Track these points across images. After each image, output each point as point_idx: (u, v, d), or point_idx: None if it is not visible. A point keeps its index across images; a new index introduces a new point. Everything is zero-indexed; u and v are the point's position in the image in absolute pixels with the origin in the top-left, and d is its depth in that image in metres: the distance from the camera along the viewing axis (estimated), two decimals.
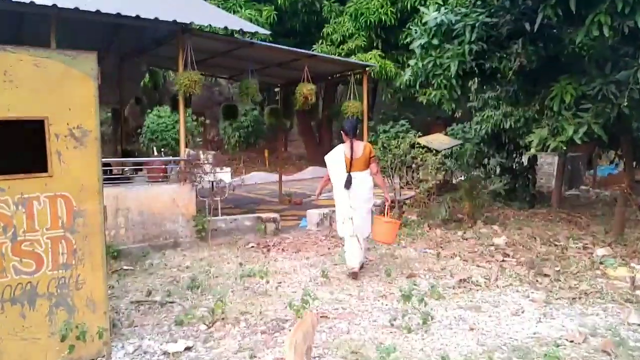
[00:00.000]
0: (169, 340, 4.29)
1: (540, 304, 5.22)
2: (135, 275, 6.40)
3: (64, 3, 6.66)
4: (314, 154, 21.46)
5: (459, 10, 7.27)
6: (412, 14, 14.90)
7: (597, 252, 7.16)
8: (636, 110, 6.50)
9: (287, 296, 5.42)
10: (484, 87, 10.24)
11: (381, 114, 23.10)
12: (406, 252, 7.46)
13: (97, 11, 6.78)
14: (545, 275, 6.20)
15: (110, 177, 8.33)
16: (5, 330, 3.54)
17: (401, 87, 14.15)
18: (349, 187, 6.21)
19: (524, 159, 12.05)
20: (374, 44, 16.11)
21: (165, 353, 4.04)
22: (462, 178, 12.09)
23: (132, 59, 11.37)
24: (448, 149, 12.78)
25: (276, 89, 14.36)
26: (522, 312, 5.02)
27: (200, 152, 8.67)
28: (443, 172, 11.80)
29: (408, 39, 13.79)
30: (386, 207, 6.68)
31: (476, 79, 8.41)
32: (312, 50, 14.61)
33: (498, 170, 11.93)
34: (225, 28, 8.61)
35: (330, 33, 16.57)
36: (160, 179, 8.43)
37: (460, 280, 6.04)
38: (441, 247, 7.70)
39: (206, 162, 8.45)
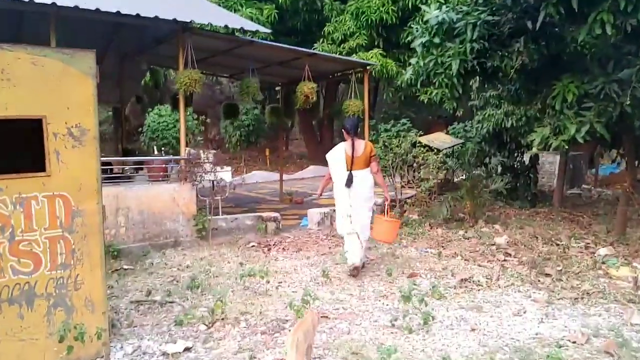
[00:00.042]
0: (168, 340, 4.26)
1: (542, 304, 5.19)
2: (135, 274, 6.37)
3: (64, 1, 6.62)
4: (315, 153, 21.44)
5: (461, 8, 7.24)
6: (413, 13, 14.85)
7: (599, 252, 7.12)
8: (639, 108, 6.46)
9: (288, 296, 5.39)
10: (486, 86, 10.23)
11: (382, 112, 23.07)
12: (407, 252, 7.43)
13: (97, 9, 6.75)
14: (547, 275, 6.17)
15: (110, 176, 8.30)
16: (3, 331, 3.51)
17: (402, 85, 14.09)
18: (350, 185, 6.23)
19: (526, 158, 12.02)
20: (375, 43, 16.08)
21: (164, 354, 4.01)
22: (464, 177, 12.06)
23: (132, 58, 11.35)
24: (449, 148, 12.74)
25: (277, 88, 14.33)
26: (524, 312, 4.98)
27: (201, 151, 8.65)
28: (444, 171, 11.77)
29: (409, 38, 13.76)
30: (386, 207, 6.68)
31: (477, 77, 8.38)
32: (313, 49, 14.55)
33: (499, 169, 11.90)
34: (226, 27, 8.57)
35: (331, 32, 16.54)
36: (160, 178, 8.40)
37: (462, 280, 6.01)
38: (442, 247, 7.67)
39: (207, 161, 8.43)
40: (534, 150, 7.79)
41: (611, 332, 4.45)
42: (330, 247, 7.74)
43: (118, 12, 6.93)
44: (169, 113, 12.02)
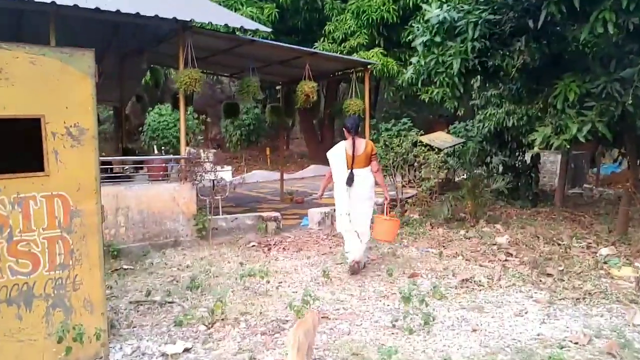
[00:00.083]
0: (167, 341, 4.24)
1: (544, 305, 5.15)
2: (135, 274, 6.35)
3: (63, 0, 6.60)
4: (316, 152, 21.41)
5: (462, 7, 7.20)
6: (414, 12, 14.82)
7: (601, 252, 7.09)
8: None
9: (288, 296, 5.37)
10: (487, 85, 10.19)
11: (383, 112, 23.02)
12: (408, 252, 7.41)
13: (97, 8, 6.73)
14: (549, 275, 6.14)
15: (110, 175, 8.27)
16: (1, 332, 3.49)
17: (403, 85, 14.05)
18: (350, 184, 6.26)
19: (527, 158, 11.99)
20: (376, 42, 16.05)
21: (163, 355, 3.99)
22: (465, 177, 12.01)
23: (132, 57, 11.32)
24: (450, 147, 12.71)
25: (277, 87, 14.30)
26: (526, 312, 4.95)
27: (201, 150, 8.63)
28: (445, 171, 11.74)
29: (410, 37, 13.70)
30: (385, 206, 6.67)
31: (479, 76, 8.36)
32: (314, 48, 14.54)
33: (501, 168, 11.87)
34: (226, 26, 8.55)
35: (332, 31, 16.52)
36: (160, 178, 8.37)
37: (463, 280, 5.98)
38: (443, 247, 7.64)
39: (207, 160, 8.41)
40: (536, 149, 7.76)
41: (613, 333, 4.42)
42: (330, 247, 7.72)
43: (118, 11, 6.91)
44: (170, 112, 12.02)
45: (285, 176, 14.95)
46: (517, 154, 11.87)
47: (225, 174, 9.36)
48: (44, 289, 3.63)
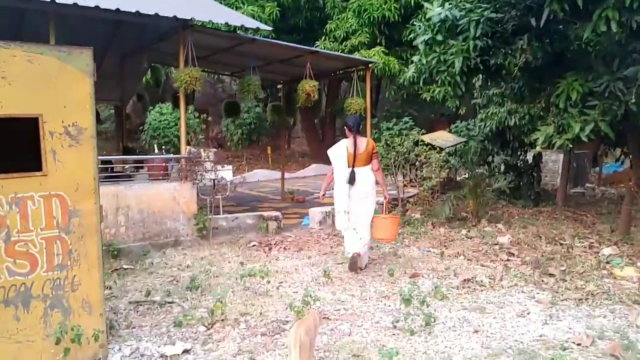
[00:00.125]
0: (167, 342, 4.21)
1: (546, 305, 5.12)
2: (135, 274, 6.32)
3: None
4: (317, 151, 21.38)
5: (464, 5, 7.15)
6: (415, 10, 14.77)
7: (604, 252, 7.04)
8: None
9: (288, 296, 5.34)
10: (489, 84, 10.13)
11: (385, 111, 22.99)
12: (409, 251, 7.37)
13: (96, 7, 6.68)
14: (551, 275, 6.10)
15: (110, 174, 8.25)
16: None
17: (405, 83, 14.03)
18: (352, 182, 6.27)
19: (529, 157, 11.95)
20: (378, 41, 16.00)
21: (162, 356, 3.96)
22: (466, 176, 11.97)
23: (133, 56, 11.30)
24: (452, 146, 12.66)
25: (279, 86, 14.27)
26: (528, 313, 4.92)
27: (202, 149, 8.60)
28: (447, 170, 11.67)
29: (412, 35, 13.59)
30: (385, 205, 6.66)
31: (481, 75, 8.30)
32: (315, 47, 14.49)
33: (502, 168, 11.82)
34: (227, 24, 8.51)
35: (333, 29, 16.47)
36: (161, 177, 8.34)
37: (464, 280, 5.95)
38: (445, 246, 7.61)
39: (207, 159, 8.38)
40: (538, 148, 7.72)
41: (616, 334, 4.38)
42: (332, 247, 7.69)
43: (118, 10, 6.86)
44: (171, 111, 11.97)
45: (287, 175, 14.93)
46: (519, 153, 11.83)
47: (226, 173, 9.33)
48: (42, 290, 3.59)
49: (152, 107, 12.67)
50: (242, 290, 5.59)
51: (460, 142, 12.94)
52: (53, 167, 3.61)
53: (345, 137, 6.54)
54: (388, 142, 10.76)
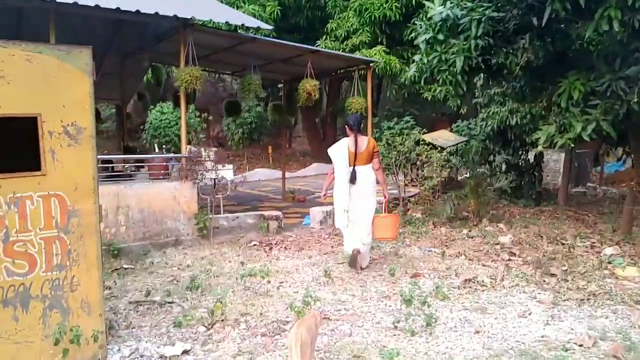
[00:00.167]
0: (166, 342, 4.19)
1: (548, 306, 5.09)
2: (136, 274, 6.31)
3: None
4: (318, 150, 21.36)
5: (465, 4, 7.12)
6: (417, 9, 14.75)
7: (605, 251, 7.01)
8: None
9: (289, 296, 5.32)
10: (490, 83, 10.10)
11: (386, 110, 22.96)
12: (410, 251, 7.35)
13: (97, 6, 6.66)
14: (553, 275, 6.07)
15: (111, 174, 8.23)
16: None
17: (406, 83, 14.01)
18: (354, 181, 6.28)
19: (530, 156, 11.92)
20: (379, 40, 15.97)
21: (162, 357, 3.94)
22: (467, 175, 11.95)
23: (133, 55, 11.28)
24: (453, 145, 12.63)
25: (279, 85, 14.25)
26: (529, 313, 4.89)
27: (202, 149, 8.58)
28: (448, 170, 11.65)
29: (413, 35, 13.58)
30: (384, 204, 6.65)
31: (482, 74, 8.27)
32: (316, 46, 14.48)
33: (504, 167, 11.80)
34: (228, 23, 8.49)
35: (334, 29, 16.45)
36: (161, 176, 8.33)
37: (466, 280, 5.92)
38: (446, 246, 7.58)
39: (208, 159, 8.36)
40: (539, 148, 7.70)
41: (619, 335, 4.35)
42: (332, 246, 7.67)
43: (118, 9, 6.85)
44: (171, 110, 11.99)
45: (287, 174, 14.90)
46: (520, 152, 11.81)
47: (227, 172, 9.30)
48: (40, 290, 3.58)
49: (153, 107, 12.70)
50: (243, 290, 5.57)
51: (462, 142, 12.91)
52: (52, 167, 3.60)
53: (346, 136, 6.53)
54: (389, 141, 10.73)
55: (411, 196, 10.85)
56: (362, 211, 6.34)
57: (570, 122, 6.58)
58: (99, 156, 7.08)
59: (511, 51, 7.07)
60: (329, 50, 12.90)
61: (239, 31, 10.96)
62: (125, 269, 6.50)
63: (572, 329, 4.50)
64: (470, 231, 8.47)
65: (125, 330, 4.47)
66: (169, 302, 5.18)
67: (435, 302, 5.10)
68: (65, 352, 3.59)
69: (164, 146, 11.77)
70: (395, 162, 10.39)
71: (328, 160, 6.65)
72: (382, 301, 5.27)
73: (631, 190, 8.32)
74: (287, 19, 17.28)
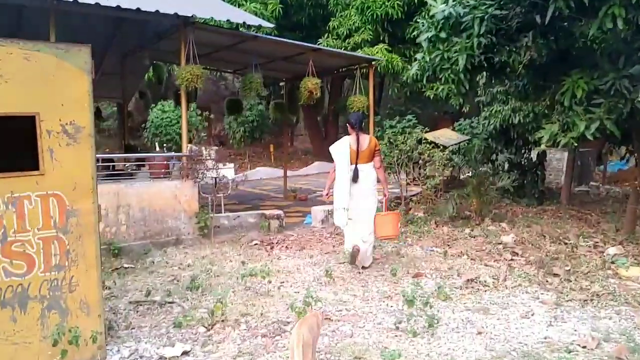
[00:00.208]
0: (166, 343, 4.15)
1: (551, 306, 5.05)
2: (136, 273, 6.28)
3: None
4: (320, 149, 21.32)
5: (468, 2, 7.07)
6: (419, 7, 14.68)
7: (608, 251, 6.97)
8: None
9: (290, 297, 5.28)
10: (493, 82, 10.07)
11: (388, 108, 22.90)
12: (412, 251, 7.31)
13: (97, 4, 6.63)
14: (555, 275, 6.03)
15: (111, 173, 8.20)
16: None
17: (408, 81, 13.94)
18: (356, 180, 6.29)
19: (533, 155, 11.87)
20: (381, 38, 15.91)
21: (161, 358, 3.90)
22: (470, 174, 11.91)
23: (134, 54, 11.24)
24: (455, 144, 12.58)
25: (281, 84, 14.21)
26: (532, 314, 4.85)
27: (203, 147, 8.55)
28: (450, 168, 11.61)
29: (415, 33, 13.55)
30: (384, 202, 6.62)
31: (485, 73, 8.25)
32: (318, 44, 14.44)
33: (506, 166, 11.76)
34: (229, 21, 8.45)
35: (336, 27, 16.38)
36: (162, 175, 8.29)
37: (468, 280, 5.88)
38: (448, 245, 7.54)
39: (209, 157, 8.32)
40: (542, 147, 7.66)
41: (622, 336, 4.31)
42: (334, 246, 7.63)
43: (118, 7, 6.81)
44: (172, 109, 11.96)
45: (289, 173, 14.87)
46: (523, 151, 11.76)
47: (228, 171, 9.26)
48: (39, 291, 3.55)
49: (154, 105, 12.65)
50: (243, 290, 5.54)
51: (464, 140, 12.86)
52: (50, 166, 3.57)
53: (348, 134, 6.51)
54: (391, 140, 10.68)
55: (413, 195, 10.81)
56: (363, 210, 6.33)
57: (574, 120, 6.54)
58: (99, 155, 7.09)
59: (514, 49, 7.03)
60: (331, 49, 12.85)
61: (240, 29, 10.90)
62: (126, 268, 6.47)
63: (575, 330, 4.46)
64: (472, 230, 8.42)
65: (124, 330, 4.44)
66: (169, 302, 5.14)
67: (437, 303, 5.06)
68: (64, 353, 3.56)
69: (165, 145, 11.75)
70: (397, 161, 10.35)
71: (330, 159, 6.63)
72: (383, 301, 5.23)
73: (634, 190, 8.27)
74: (288, 17, 17.23)
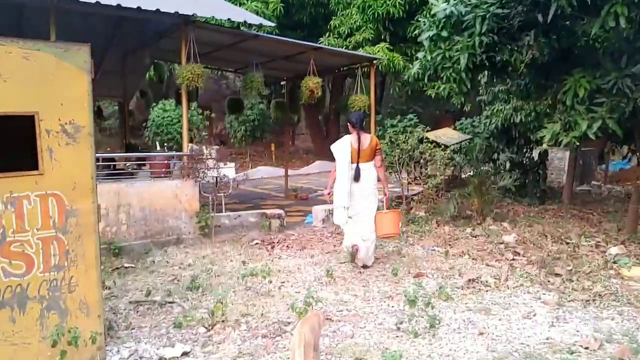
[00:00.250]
0: (166, 344, 4.14)
1: (553, 307, 5.02)
2: (136, 273, 6.26)
3: None
4: (321, 148, 21.29)
5: (469, 1, 7.04)
6: (420, 6, 14.64)
7: (610, 251, 6.94)
8: None
9: (290, 297, 5.26)
10: (494, 81, 10.05)
11: (389, 107, 22.88)
12: (413, 250, 7.28)
13: (97, 3, 6.60)
14: (557, 275, 6.00)
15: (112, 172, 8.19)
16: None
17: (409, 80, 13.91)
18: (358, 179, 6.28)
19: (535, 154, 11.83)
20: (382, 37, 15.87)
21: (161, 358, 3.89)
22: (471, 173, 11.87)
23: (135, 53, 11.23)
24: (457, 143, 12.55)
25: (282, 83, 14.18)
26: (534, 315, 4.82)
27: (204, 147, 8.52)
28: (452, 168, 11.59)
29: (416, 31, 13.53)
30: (385, 202, 6.61)
31: (486, 72, 8.23)
32: (319, 43, 14.40)
33: (508, 165, 11.73)
34: (230, 20, 8.43)
35: (337, 25, 16.34)
36: (163, 174, 8.28)
37: (469, 280, 5.85)
38: (449, 245, 7.51)
39: (209, 157, 8.30)
40: (544, 146, 7.63)
41: (625, 337, 4.28)
42: (335, 245, 7.60)
43: (119, 6, 6.78)
44: (173, 108, 11.95)
45: (290, 172, 14.84)
46: (524, 150, 11.72)
47: (229, 170, 9.24)
48: (38, 291, 3.53)
49: (155, 104, 12.64)
50: (244, 290, 5.52)
51: (465, 140, 12.83)
52: (49, 166, 3.55)
53: (349, 133, 6.49)
54: (392, 139, 10.66)
55: (414, 194, 10.78)
56: (364, 209, 6.34)
57: (576, 120, 6.52)
58: (100, 154, 7.07)
59: (516, 48, 7.01)
60: (332, 48, 12.82)
61: (241, 28, 10.86)
62: (126, 267, 6.45)
63: (577, 331, 4.44)
64: (474, 230, 8.40)
65: (124, 331, 4.42)
66: (170, 302, 5.12)
67: (438, 303, 5.04)
68: (63, 354, 3.54)
69: (165, 144, 11.73)
70: (398, 160, 10.33)
71: (331, 158, 6.61)
72: (384, 301, 5.21)
73: (636, 189, 8.24)
74: (290, 16, 17.19)
